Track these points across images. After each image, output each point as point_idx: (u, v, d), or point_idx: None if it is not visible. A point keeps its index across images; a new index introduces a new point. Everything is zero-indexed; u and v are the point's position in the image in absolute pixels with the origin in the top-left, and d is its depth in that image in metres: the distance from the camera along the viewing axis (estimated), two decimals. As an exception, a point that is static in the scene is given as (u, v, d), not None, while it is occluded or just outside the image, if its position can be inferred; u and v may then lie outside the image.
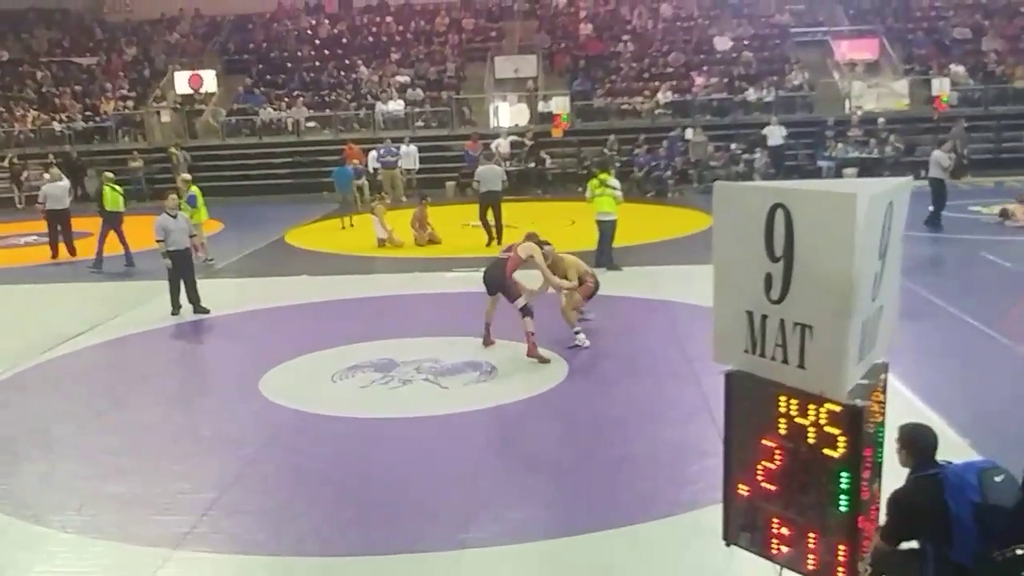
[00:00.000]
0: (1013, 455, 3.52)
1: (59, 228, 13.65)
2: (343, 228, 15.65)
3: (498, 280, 7.73)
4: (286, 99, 22.76)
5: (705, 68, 22.16)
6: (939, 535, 3.35)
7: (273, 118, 22.18)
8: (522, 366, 7.70)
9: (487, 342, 8.12)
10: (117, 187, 13.08)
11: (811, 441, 2.91)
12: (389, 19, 25.84)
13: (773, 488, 3.03)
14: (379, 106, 21.91)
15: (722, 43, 23.05)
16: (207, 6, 26.48)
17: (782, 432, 2.97)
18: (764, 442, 3.03)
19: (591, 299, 8.45)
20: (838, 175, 17.19)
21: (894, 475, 3.42)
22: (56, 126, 22.33)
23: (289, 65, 24.48)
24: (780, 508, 3.03)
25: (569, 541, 4.76)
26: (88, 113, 23.05)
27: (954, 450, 4.45)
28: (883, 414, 3.18)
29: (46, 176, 14.67)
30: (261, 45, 25.49)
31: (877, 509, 3.29)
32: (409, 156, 19.57)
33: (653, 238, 13.34)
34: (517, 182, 19.76)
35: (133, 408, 7.18)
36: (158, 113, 22.62)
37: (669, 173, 18.73)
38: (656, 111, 21.10)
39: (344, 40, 25.39)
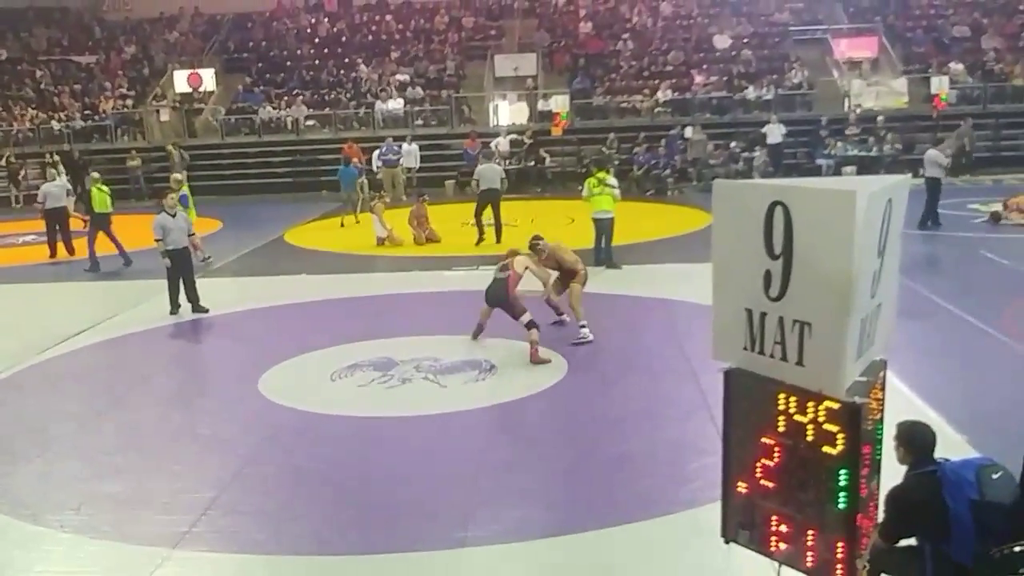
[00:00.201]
0: (1011, 452, 3.52)
1: (57, 227, 13.63)
2: (342, 226, 15.65)
3: (501, 298, 7.88)
4: (285, 98, 22.75)
5: (704, 66, 22.15)
6: (937, 532, 3.35)
7: (272, 117, 22.17)
8: (521, 364, 7.69)
9: (475, 336, 8.25)
10: (104, 187, 13.08)
11: (810, 438, 2.91)
12: (389, 17, 25.83)
13: (772, 485, 3.03)
14: (379, 105, 21.91)
15: (721, 41, 23.04)
16: (206, 4, 26.46)
17: (781, 429, 2.97)
18: (763, 439, 3.02)
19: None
20: (837, 173, 17.22)
21: (892, 472, 3.42)
22: (55, 125, 22.31)
23: (288, 64, 24.47)
24: (779, 505, 3.03)
25: (568, 539, 4.76)
26: (87, 112, 23.03)
27: (952, 447, 4.46)
28: (881, 411, 3.18)
29: (52, 173, 14.67)
30: (260, 44, 25.48)
31: (876, 506, 3.29)
32: (410, 155, 19.58)
33: (652, 236, 13.35)
34: (517, 180, 19.78)
35: (131, 407, 7.18)
36: (157, 112, 22.61)
37: (668, 171, 18.74)
38: (655, 109, 21.10)
39: (343, 38, 25.38)
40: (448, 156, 20.44)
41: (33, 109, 23.09)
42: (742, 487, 3.13)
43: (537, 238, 8.62)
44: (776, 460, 3.01)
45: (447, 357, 7.82)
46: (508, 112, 21.26)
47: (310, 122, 22.10)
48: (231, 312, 10.00)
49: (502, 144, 20.04)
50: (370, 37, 25.30)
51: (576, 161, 19.64)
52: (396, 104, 21.93)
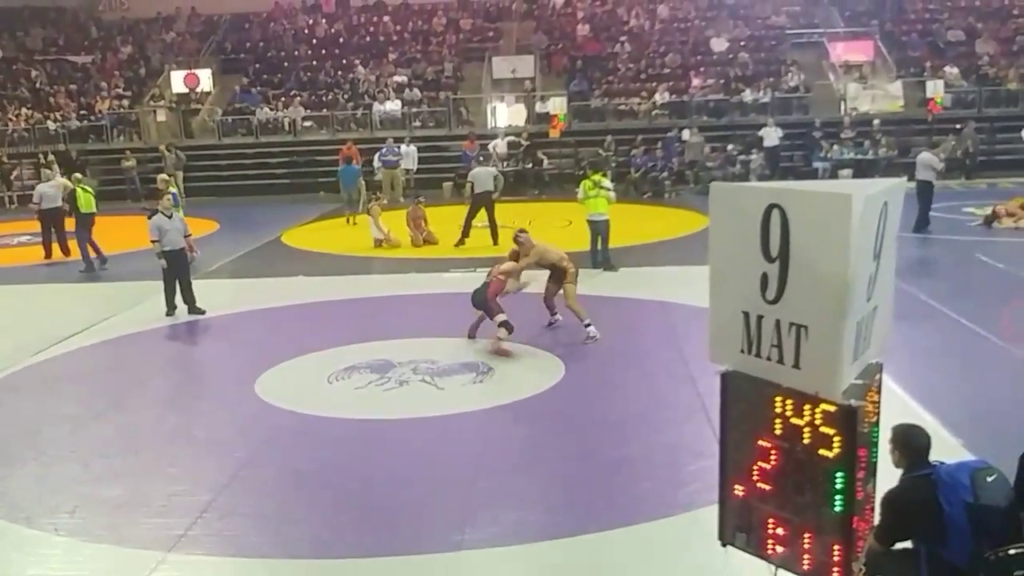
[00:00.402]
0: (1006, 455, 3.54)
1: (53, 228, 13.59)
2: (348, 223, 15.65)
3: (480, 302, 8.18)
4: (283, 99, 22.74)
5: (702, 69, 22.20)
6: (932, 535, 3.36)
7: (269, 118, 22.15)
8: (519, 367, 7.71)
9: (471, 335, 8.35)
10: (89, 188, 13.06)
11: (806, 441, 2.91)
12: (386, 19, 25.83)
13: (768, 488, 3.04)
14: (376, 106, 21.91)
15: (719, 44, 23.10)
16: (203, 5, 26.43)
17: (777, 432, 2.98)
18: (760, 442, 3.03)
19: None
20: (833, 176, 17.27)
21: (888, 476, 3.43)
22: (51, 125, 22.26)
23: (286, 64, 24.46)
24: (775, 508, 3.03)
25: (566, 542, 4.76)
26: (83, 112, 22.98)
27: (947, 450, 4.47)
28: (878, 414, 3.18)
29: (47, 173, 14.66)
30: (258, 44, 25.46)
31: (872, 509, 3.30)
32: (409, 156, 19.59)
33: (650, 239, 13.36)
34: (514, 182, 19.81)
35: (127, 409, 7.16)
36: (154, 112, 22.57)
37: (666, 174, 18.77)
38: (653, 112, 21.13)
39: (341, 40, 25.37)
40: (446, 158, 20.45)
41: (29, 109, 23.03)
42: (739, 490, 3.13)
43: (520, 231, 8.73)
44: (773, 463, 3.01)
45: (444, 359, 7.82)
46: (506, 114, 21.29)
47: (307, 123, 22.08)
48: (228, 314, 9.98)
49: (500, 146, 20.06)
50: (368, 38, 25.30)
51: (574, 163, 19.66)
52: (394, 105, 21.93)
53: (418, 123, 21.79)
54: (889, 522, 3.38)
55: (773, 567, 3.14)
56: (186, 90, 22.62)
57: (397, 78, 22.92)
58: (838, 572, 2.92)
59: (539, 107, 21.12)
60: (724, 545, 3.25)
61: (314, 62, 24.44)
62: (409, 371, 7.59)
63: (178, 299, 9.82)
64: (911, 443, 3.47)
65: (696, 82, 21.60)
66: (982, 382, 6.90)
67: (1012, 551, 3.29)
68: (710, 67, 22.29)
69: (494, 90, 22.15)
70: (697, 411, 6.28)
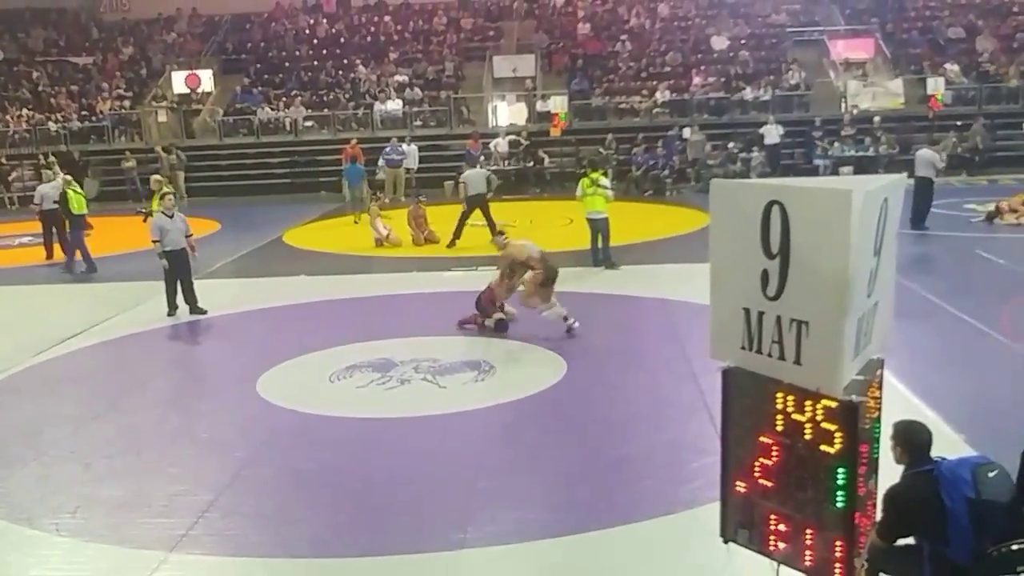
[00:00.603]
0: (1008, 451, 3.53)
1: (53, 229, 13.61)
2: (355, 222, 15.65)
3: (477, 303, 8.67)
4: (284, 99, 22.74)
5: (702, 67, 22.18)
6: (934, 531, 3.36)
7: (271, 118, 22.16)
8: (520, 365, 7.71)
9: (460, 324, 8.67)
10: (79, 189, 13.09)
11: (808, 437, 2.91)
12: (387, 18, 25.83)
13: (770, 485, 3.04)
14: (377, 106, 21.91)
15: (719, 43, 23.07)
16: (204, 5, 26.43)
17: (779, 428, 2.98)
18: (761, 439, 3.03)
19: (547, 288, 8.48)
20: (834, 173, 17.25)
21: (890, 472, 3.42)
22: (52, 126, 22.29)
23: (287, 64, 24.46)
24: (777, 504, 3.04)
25: (568, 540, 4.75)
26: (84, 113, 23.00)
27: (949, 446, 4.46)
28: (879, 410, 3.18)
29: (48, 174, 14.70)
30: (259, 44, 25.47)
31: (873, 505, 3.30)
32: (410, 155, 19.61)
33: (651, 236, 13.35)
34: (515, 181, 19.81)
35: (129, 410, 7.16)
36: (155, 113, 22.59)
37: (667, 172, 18.76)
38: (654, 110, 21.11)
39: (342, 39, 25.37)
40: (447, 157, 20.44)
41: (30, 110, 23.05)
42: (741, 487, 3.13)
43: (497, 234, 8.81)
44: (774, 459, 3.01)
45: (446, 358, 7.82)
46: (507, 113, 21.27)
47: (309, 123, 22.09)
48: (229, 313, 9.98)
49: (501, 145, 20.07)
50: (368, 38, 25.30)
51: (575, 162, 19.65)
52: (395, 105, 21.93)
53: (419, 122, 21.79)
54: (891, 518, 3.37)
55: (775, 563, 3.13)
56: (187, 90, 22.64)
57: (398, 77, 22.91)
58: (840, 568, 2.92)
59: (540, 106, 21.11)
60: (726, 542, 3.25)
61: (315, 62, 24.44)
62: (410, 370, 7.59)
63: (179, 299, 9.82)
64: (912, 439, 3.46)
65: (697, 80, 21.59)
66: (983, 378, 6.88)
67: (1015, 546, 3.28)
68: (711, 65, 22.26)
69: (495, 89, 22.14)
70: (699, 408, 6.28)
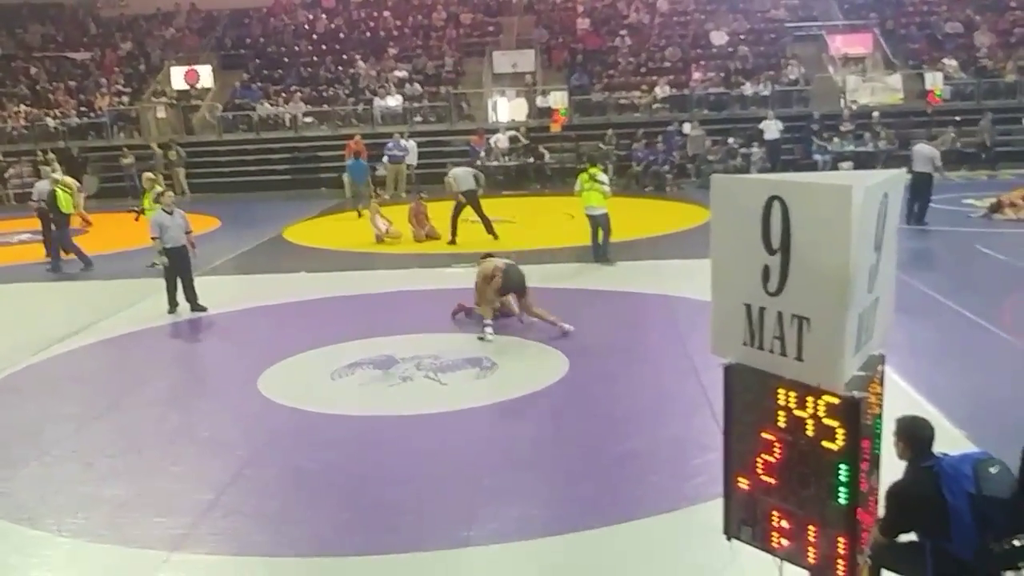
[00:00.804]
0: (1009, 447, 3.53)
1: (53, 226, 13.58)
2: (359, 216, 15.65)
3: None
4: (283, 94, 22.70)
5: (702, 63, 22.14)
6: (936, 527, 3.36)
7: (270, 113, 22.12)
8: (522, 362, 7.70)
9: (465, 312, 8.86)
10: (67, 188, 13.08)
11: (810, 433, 2.91)
12: (387, 14, 25.77)
13: (773, 481, 3.04)
14: (377, 101, 21.87)
15: (718, 38, 23.03)
16: (203, 1, 26.37)
17: (781, 425, 2.97)
18: (763, 435, 3.03)
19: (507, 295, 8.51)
20: (834, 169, 17.24)
21: (892, 468, 3.42)
22: (50, 122, 22.24)
23: (286, 60, 24.40)
24: (780, 501, 3.03)
25: (571, 537, 4.76)
26: (83, 109, 22.96)
27: (950, 442, 4.46)
28: (880, 406, 3.18)
29: (46, 171, 14.68)
30: (258, 40, 25.40)
31: (876, 501, 3.30)
32: (411, 151, 19.60)
33: (652, 232, 13.34)
34: (516, 176, 19.79)
35: (129, 408, 7.16)
36: (154, 109, 22.55)
37: (667, 167, 18.74)
38: (654, 105, 21.08)
39: (341, 35, 25.32)
40: (447, 153, 20.40)
41: (28, 106, 23.01)
42: (743, 483, 3.13)
43: (482, 257, 8.77)
44: (777, 456, 3.01)
45: (448, 355, 7.82)
46: (507, 108, 21.24)
47: (308, 119, 22.05)
48: (230, 311, 9.98)
49: (501, 140, 20.04)
50: (368, 33, 25.25)
51: (575, 157, 19.63)
52: (395, 100, 21.90)
53: (419, 118, 21.76)
54: (894, 514, 3.38)
55: (778, 560, 3.13)
56: (186, 86, 22.59)
57: (398, 73, 22.87)
58: (843, 565, 2.92)
59: (540, 101, 21.08)
60: (729, 539, 3.24)
61: (314, 57, 24.39)
62: (412, 367, 7.59)
63: (180, 296, 9.81)
64: (916, 434, 3.46)
65: (696, 76, 21.55)
66: (984, 374, 6.88)
67: (1017, 542, 3.28)
68: (710, 61, 22.23)
69: (495, 84, 22.10)
70: (701, 404, 6.28)
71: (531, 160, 19.92)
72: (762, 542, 3.13)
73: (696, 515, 4.75)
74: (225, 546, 4.88)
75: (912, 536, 3.50)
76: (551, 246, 12.45)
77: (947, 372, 6.93)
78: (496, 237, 13.04)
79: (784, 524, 3.04)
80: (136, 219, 12.97)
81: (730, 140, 19.13)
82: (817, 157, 18.77)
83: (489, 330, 8.18)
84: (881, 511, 3.38)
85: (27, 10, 26.89)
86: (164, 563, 4.69)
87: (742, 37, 23.10)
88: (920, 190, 12.60)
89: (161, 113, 22.46)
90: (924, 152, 12.99)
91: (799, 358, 2.88)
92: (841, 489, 2.87)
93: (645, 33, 23.74)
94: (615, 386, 7.10)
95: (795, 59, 21.64)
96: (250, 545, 4.87)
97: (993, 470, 3.35)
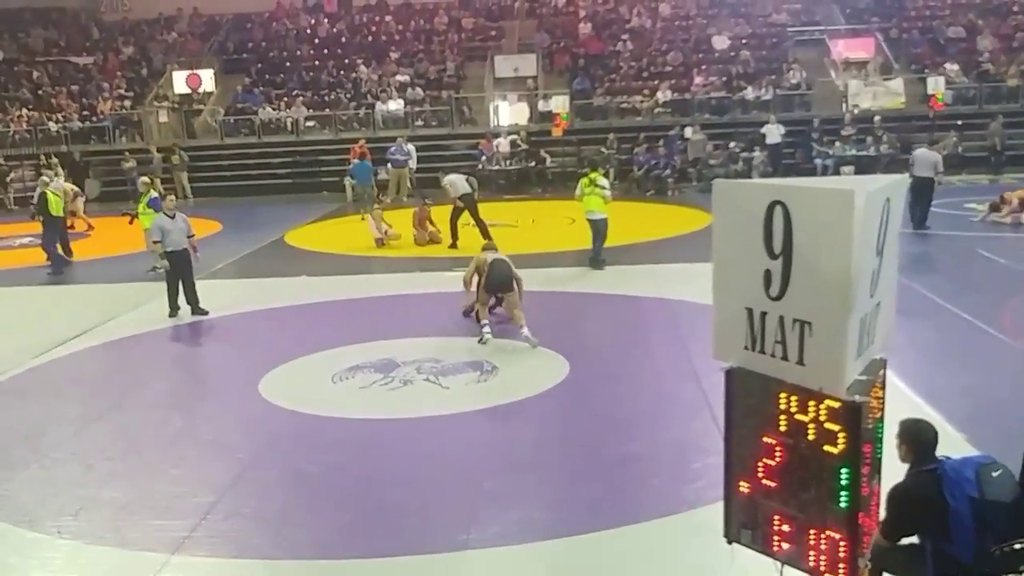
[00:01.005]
0: (1011, 450, 3.53)
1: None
2: (362, 219, 15.67)
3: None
4: (285, 99, 22.74)
5: (704, 67, 22.17)
6: (938, 530, 3.36)
7: (272, 118, 22.16)
8: (523, 365, 7.70)
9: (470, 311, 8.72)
10: (58, 192, 13.12)
11: (811, 437, 2.91)
12: (388, 18, 25.83)
13: (774, 485, 3.03)
14: (379, 105, 21.91)
15: (720, 42, 23.06)
16: (205, 5, 26.43)
17: (782, 429, 2.98)
18: (764, 439, 3.03)
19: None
20: (836, 173, 17.23)
21: (894, 472, 3.42)
22: (52, 126, 22.29)
23: (288, 64, 24.46)
24: (781, 505, 3.03)
25: (572, 541, 4.76)
26: (85, 113, 23.01)
27: (952, 446, 4.45)
28: (882, 410, 3.18)
29: (49, 174, 14.68)
30: (260, 44, 25.47)
31: (877, 505, 3.29)
32: (412, 155, 19.62)
33: (653, 236, 13.35)
34: (517, 181, 19.81)
35: (130, 411, 7.16)
36: (156, 113, 22.59)
37: (668, 172, 18.75)
38: (655, 110, 21.11)
39: (343, 39, 25.38)
40: (448, 157, 20.42)
41: (30, 110, 23.05)
42: (744, 487, 3.13)
43: (485, 247, 8.93)
44: (778, 459, 3.01)
45: (448, 358, 7.82)
46: (508, 113, 21.27)
47: (310, 123, 22.09)
48: (231, 314, 9.98)
49: (502, 144, 20.07)
50: (370, 38, 25.30)
51: (577, 161, 19.65)
52: (396, 105, 21.93)
53: (420, 122, 21.79)
54: (895, 517, 3.37)
55: (779, 564, 3.13)
56: (188, 90, 22.64)
57: (399, 77, 22.92)
58: (844, 568, 2.91)
59: (542, 105, 21.11)
60: (730, 542, 3.24)
61: (316, 62, 24.45)
62: (413, 370, 7.59)
63: (181, 300, 9.82)
64: (919, 438, 3.46)
65: (698, 80, 21.58)
66: (986, 377, 6.88)
67: (1018, 546, 3.28)
68: (712, 65, 22.25)
69: (496, 89, 22.14)
70: (702, 408, 6.27)
71: (532, 164, 19.94)
72: (763, 545, 3.13)
73: (696, 519, 4.74)
74: (225, 549, 4.88)
75: (913, 539, 3.49)
76: (552, 250, 12.46)
77: (948, 375, 6.93)
78: (490, 239, 13.03)
79: (785, 528, 3.04)
80: (130, 222, 12.99)
81: (732, 144, 19.14)
82: (818, 161, 18.78)
83: (487, 330, 8.17)
84: (882, 514, 3.38)
85: (30, 14, 26.97)
86: (164, 566, 4.68)
87: (744, 41, 23.13)
88: (922, 194, 12.58)
89: (163, 117, 22.52)
90: (926, 157, 12.97)
91: (801, 362, 2.88)
92: (842, 493, 2.87)
93: (647, 37, 23.78)
94: (616, 389, 7.10)
95: (797, 63, 21.67)
96: (250, 548, 4.87)
97: (995, 474, 3.35)
